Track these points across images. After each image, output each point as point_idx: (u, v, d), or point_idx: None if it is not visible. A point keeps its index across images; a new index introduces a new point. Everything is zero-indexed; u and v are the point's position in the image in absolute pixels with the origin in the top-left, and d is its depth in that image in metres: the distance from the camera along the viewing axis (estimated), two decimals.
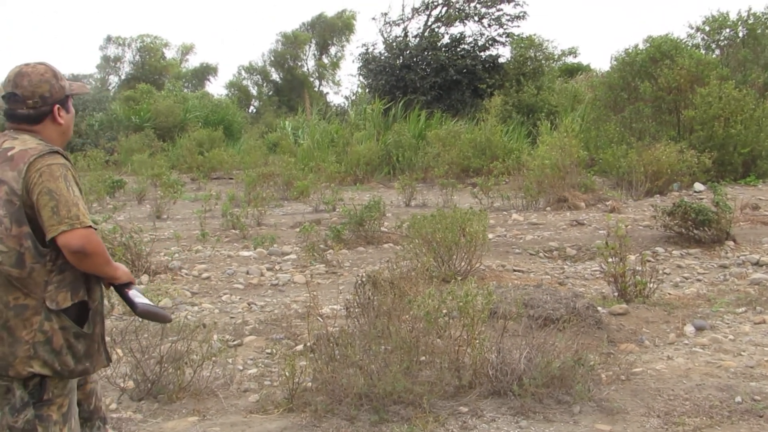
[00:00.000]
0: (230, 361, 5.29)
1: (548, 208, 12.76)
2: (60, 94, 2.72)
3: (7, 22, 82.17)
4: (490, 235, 9.94)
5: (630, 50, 18.47)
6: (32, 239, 2.49)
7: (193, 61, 50.34)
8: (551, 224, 11.16)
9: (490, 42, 27.43)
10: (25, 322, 2.46)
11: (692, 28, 21.84)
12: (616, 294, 6.74)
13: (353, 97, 31.91)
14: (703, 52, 20.19)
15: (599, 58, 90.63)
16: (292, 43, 44.97)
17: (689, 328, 5.86)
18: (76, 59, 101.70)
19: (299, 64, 46.01)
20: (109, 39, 46.46)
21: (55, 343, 2.52)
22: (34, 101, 2.64)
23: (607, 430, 4.00)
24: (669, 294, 7.12)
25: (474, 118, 22.68)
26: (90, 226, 2.53)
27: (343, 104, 38.44)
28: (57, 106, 2.71)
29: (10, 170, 2.52)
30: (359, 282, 5.82)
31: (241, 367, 5.23)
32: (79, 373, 2.63)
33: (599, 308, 6.05)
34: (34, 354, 2.47)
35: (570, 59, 30.88)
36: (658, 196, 13.57)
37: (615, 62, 19.20)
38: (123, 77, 45.81)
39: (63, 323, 2.55)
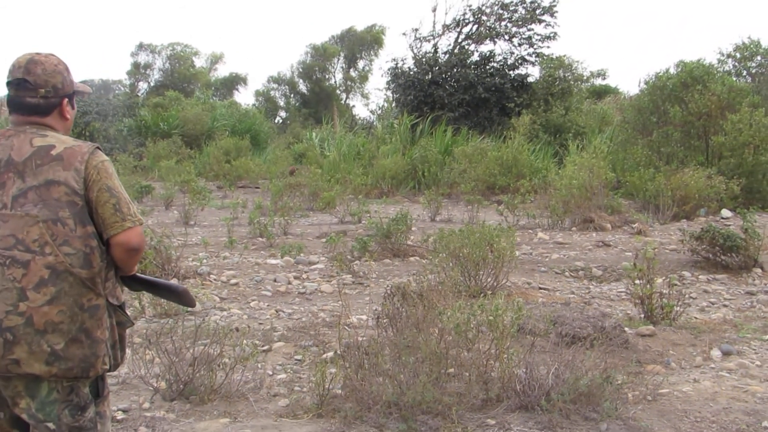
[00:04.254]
0: (260, 365, 5.37)
1: (574, 228, 12.76)
2: (70, 88, 2.65)
3: (40, 27, 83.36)
4: (516, 253, 9.96)
5: (661, 74, 18.44)
6: (97, 238, 2.47)
7: (222, 71, 50.90)
8: (577, 244, 11.16)
9: (519, 61, 27.51)
10: (99, 322, 2.45)
11: (723, 54, 21.78)
12: (642, 315, 6.75)
13: (380, 111, 32.09)
14: (734, 78, 20.11)
15: (627, 81, 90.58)
16: (320, 55, 45.31)
17: (716, 352, 5.86)
18: (107, 65, 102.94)
19: (327, 76, 46.33)
20: (140, 46, 47.11)
21: (113, 338, 2.56)
22: (46, 90, 2.55)
23: None
24: (695, 318, 7.11)
25: (501, 136, 22.73)
26: (142, 223, 2.59)
27: (369, 118, 38.67)
28: (65, 99, 2.63)
29: (63, 170, 2.44)
30: (388, 293, 5.89)
31: (270, 372, 5.30)
32: (116, 367, 2.64)
33: (626, 329, 6.07)
34: (106, 352, 2.49)
35: (599, 81, 30.91)
36: (684, 220, 13.52)
37: (645, 85, 19.16)
38: (152, 84, 46.32)
39: (120, 318, 2.59)
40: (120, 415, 4.07)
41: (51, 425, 2.41)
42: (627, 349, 5.59)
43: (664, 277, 7.97)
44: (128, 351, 2.77)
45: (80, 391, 2.46)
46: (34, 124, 2.55)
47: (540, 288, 8.26)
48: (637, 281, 6.79)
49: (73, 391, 2.43)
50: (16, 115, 2.57)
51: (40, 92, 2.54)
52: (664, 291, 6.83)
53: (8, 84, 2.57)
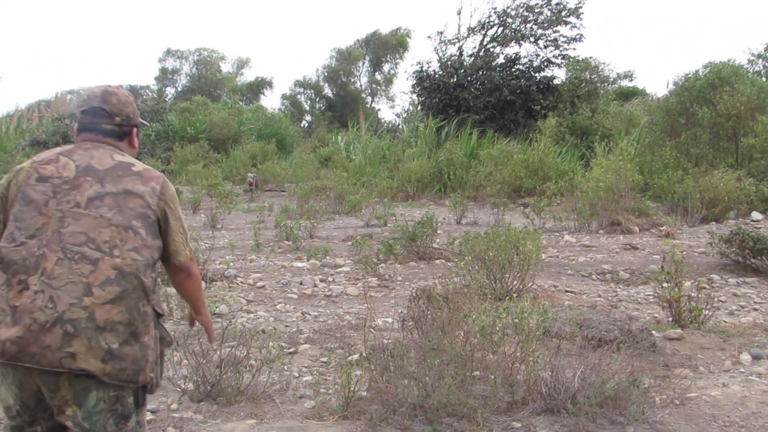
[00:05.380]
0: (286, 367, 5.40)
1: (601, 231, 12.68)
2: (137, 119, 2.84)
3: (70, 34, 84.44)
4: (543, 256, 9.92)
5: (689, 75, 18.28)
6: (160, 253, 2.61)
7: (248, 75, 51.21)
8: (604, 247, 11.10)
9: (545, 63, 27.42)
10: (147, 328, 2.50)
11: (753, 54, 21.52)
12: (670, 319, 6.69)
13: (405, 114, 32.09)
14: (764, 79, 19.87)
15: (655, 82, 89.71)
16: (345, 59, 45.39)
17: (745, 357, 5.79)
18: (135, 71, 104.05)
19: (352, 80, 46.40)
20: (168, 52, 47.56)
21: (156, 351, 2.61)
22: (121, 119, 2.74)
23: None
24: (725, 322, 7.04)
25: (527, 139, 22.63)
26: None
27: (394, 121, 38.70)
28: (135, 129, 2.83)
29: (141, 184, 2.59)
30: (413, 296, 5.90)
31: (296, 374, 5.34)
32: (157, 386, 2.69)
33: (654, 332, 6.02)
34: (153, 359, 2.53)
35: (625, 83, 30.66)
36: (714, 223, 13.39)
37: (673, 87, 19.01)
38: (180, 89, 46.73)
39: (162, 332, 2.66)
40: (148, 416, 4.10)
41: None
42: (654, 353, 5.55)
43: (692, 281, 7.89)
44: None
45: (125, 401, 2.48)
46: (110, 145, 2.71)
47: (566, 291, 8.22)
48: (664, 284, 6.73)
49: (118, 401, 2.46)
50: (91, 136, 2.72)
51: (115, 120, 2.73)
52: (693, 294, 6.77)
53: (84, 112, 2.73)
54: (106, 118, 2.72)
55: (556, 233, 12.60)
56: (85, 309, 2.35)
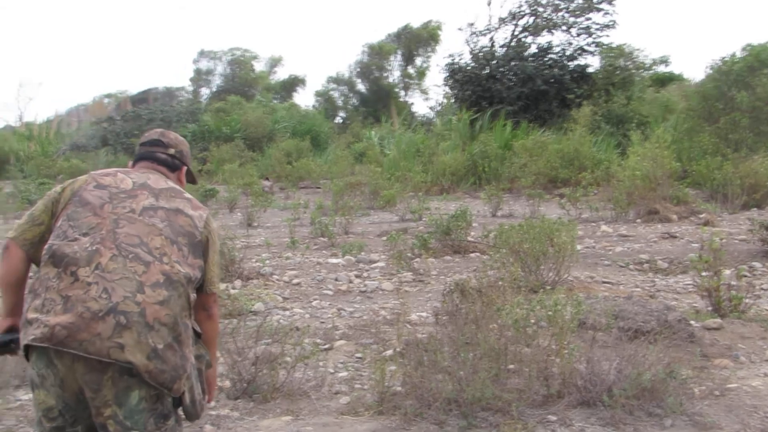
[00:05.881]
0: (321, 364, 5.43)
1: (638, 220, 12.52)
2: (189, 161, 3.08)
3: (107, 39, 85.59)
4: (579, 247, 9.83)
5: (726, 59, 17.94)
6: (201, 273, 2.70)
7: (281, 73, 51.32)
8: (641, 236, 10.96)
9: (578, 51, 27.08)
10: (188, 340, 2.55)
11: None
12: (709, 308, 6.58)
13: (439, 108, 31.99)
14: None
15: (692, 67, 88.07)
16: (377, 53, 45.30)
17: None
18: (170, 73, 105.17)
19: (385, 74, 46.30)
20: (201, 53, 47.98)
21: (197, 366, 2.67)
22: (176, 151, 2.99)
23: None
24: (766, 310, 6.91)
25: (561, 129, 22.41)
26: None
27: (428, 114, 38.58)
28: (185, 168, 3.05)
29: (192, 209, 2.75)
30: (447, 290, 5.89)
31: (332, 370, 5.36)
32: (201, 410, 2.74)
33: (692, 322, 5.93)
34: (189, 373, 2.57)
35: (661, 68, 30.15)
36: (755, 209, 13.14)
37: (710, 71, 18.68)
38: (214, 89, 47.08)
39: (200, 351, 2.73)
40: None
41: None
42: (693, 343, 5.46)
43: (732, 269, 7.76)
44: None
45: (165, 400, 2.52)
46: (163, 174, 2.91)
47: (603, 282, 8.13)
48: (703, 273, 6.63)
49: (158, 400, 2.50)
50: (147, 163, 2.93)
51: (170, 151, 2.98)
52: (733, 283, 6.65)
53: (143, 144, 2.99)
54: (162, 148, 2.96)
55: (593, 223, 12.47)
56: (138, 305, 2.41)
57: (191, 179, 3.10)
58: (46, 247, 2.55)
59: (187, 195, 2.82)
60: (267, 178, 15.58)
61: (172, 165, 2.96)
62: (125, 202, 2.64)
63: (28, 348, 2.44)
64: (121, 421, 2.43)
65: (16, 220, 2.74)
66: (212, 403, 3.91)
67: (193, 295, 2.63)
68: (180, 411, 2.66)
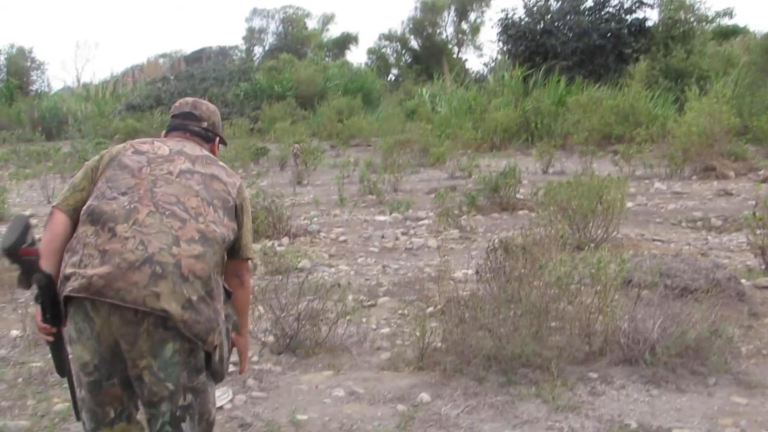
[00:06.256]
0: (364, 320, 5.47)
1: (694, 177, 12.25)
2: (220, 131, 3.10)
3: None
4: (630, 204, 9.67)
5: None
6: (234, 235, 2.72)
7: (333, 31, 51.05)
8: (696, 193, 10.72)
9: (636, 5, 26.25)
10: (220, 296, 2.59)
11: None
12: (762, 267, 6.43)
13: (493, 64, 31.52)
14: None
15: (757, 19, 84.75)
16: (430, 9, 44.69)
17: None
18: (223, 32, 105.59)
19: (438, 30, 45.71)
20: (254, 11, 47.92)
21: (225, 325, 2.69)
22: (208, 123, 3.00)
23: (743, 403, 3.87)
24: None
25: (617, 85, 21.88)
26: None
27: (482, 71, 38.07)
28: (218, 139, 3.07)
29: (226, 176, 2.79)
30: (491, 247, 5.85)
31: (374, 327, 5.40)
32: (225, 371, 2.76)
33: (743, 280, 5.80)
34: (222, 327, 2.60)
35: (725, 21, 29.12)
36: None
37: None
38: (267, 48, 47.09)
39: (228, 311, 2.74)
40: (230, 368, 4.20)
41: (170, 385, 2.51)
42: (742, 302, 5.35)
43: None
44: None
45: (198, 355, 2.56)
46: (197, 143, 2.93)
47: (654, 239, 7.99)
48: (757, 231, 6.47)
49: (192, 354, 2.53)
50: (180, 134, 2.96)
51: (203, 124, 2.99)
52: None
53: (175, 116, 3.01)
54: (195, 121, 2.98)
55: (646, 180, 12.24)
56: (173, 256, 2.45)
57: (222, 142, 3.13)
58: (84, 207, 2.60)
59: (222, 163, 2.86)
60: (298, 143, 15.33)
61: (206, 137, 2.99)
62: (163, 165, 2.69)
63: (66, 303, 2.50)
64: (156, 373, 2.48)
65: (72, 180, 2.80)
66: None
67: (224, 254, 2.66)
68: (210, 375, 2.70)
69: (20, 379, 4.37)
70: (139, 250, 2.43)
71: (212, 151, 3.00)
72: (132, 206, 2.53)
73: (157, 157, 2.73)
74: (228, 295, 2.75)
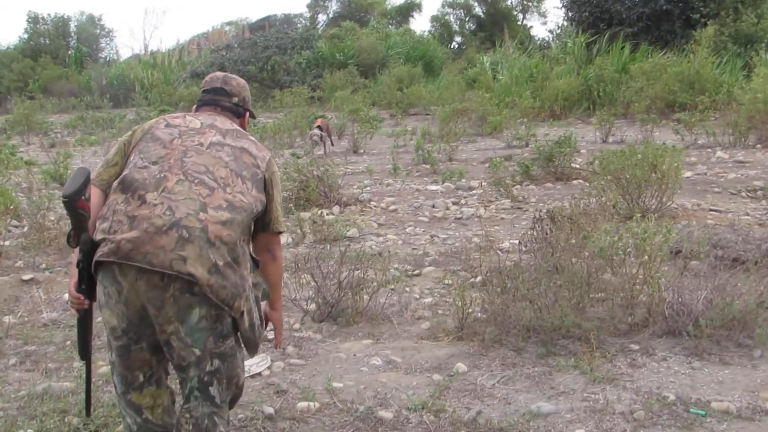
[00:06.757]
0: (407, 289, 5.49)
1: (758, 146, 11.84)
2: (250, 106, 3.16)
3: None
4: (689, 173, 9.44)
5: None
6: (262, 206, 2.78)
7: None
8: (759, 162, 10.38)
9: None
10: (246, 263, 2.65)
11: None
12: None
13: (558, 31, 30.84)
14: None
15: None
16: None
17: None
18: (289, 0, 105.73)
19: None
20: None
21: (254, 293, 2.76)
22: (239, 99, 3.07)
23: None
24: None
25: (683, 51, 21.21)
26: None
27: (546, 38, 37.35)
28: (247, 113, 3.12)
29: (256, 150, 2.85)
30: (537, 217, 5.80)
31: (417, 296, 5.42)
32: (258, 340, 2.83)
33: None
34: (249, 293, 2.66)
35: None
36: None
37: None
38: (330, 16, 47.03)
39: (256, 278, 2.79)
40: (270, 334, 4.27)
41: (197, 350, 2.58)
42: None
43: None
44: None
45: (225, 320, 2.61)
46: (228, 118, 3.00)
47: (710, 210, 7.78)
48: None
49: (218, 320, 2.58)
50: (211, 109, 3.02)
51: (233, 100, 3.06)
52: None
53: (206, 91, 3.08)
54: (226, 97, 3.04)
55: (708, 149, 11.88)
56: (200, 222, 2.51)
57: (252, 116, 3.19)
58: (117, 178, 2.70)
59: (252, 137, 2.93)
60: (321, 118, 14.74)
61: (236, 113, 3.05)
62: (194, 137, 2.77)
63: (96, 268, 2.58)
64: (183, 338, 2.55)
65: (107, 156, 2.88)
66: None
67: (251, 224, 2.73)
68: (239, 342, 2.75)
69: (69, 342, 4.54)
70: (167, 215, 2.49)
71: (242, 126, 3.06)
72: (162, 175, 2.60)
73: (189, 130, 2.81)
74: (256, 263, 2.79)
